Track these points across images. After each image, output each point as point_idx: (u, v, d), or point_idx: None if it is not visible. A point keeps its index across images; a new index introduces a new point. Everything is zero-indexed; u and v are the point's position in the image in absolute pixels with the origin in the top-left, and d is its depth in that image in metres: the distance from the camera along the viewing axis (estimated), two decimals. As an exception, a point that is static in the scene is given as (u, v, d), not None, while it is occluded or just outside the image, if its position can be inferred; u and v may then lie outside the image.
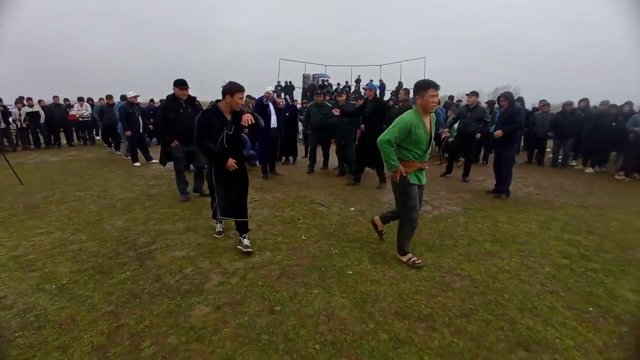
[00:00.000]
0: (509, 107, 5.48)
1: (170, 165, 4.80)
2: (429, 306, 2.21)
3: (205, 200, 4.36)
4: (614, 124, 7.20)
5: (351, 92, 17.00)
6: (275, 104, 6.02)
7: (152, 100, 12.09)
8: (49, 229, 3.53)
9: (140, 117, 7.41)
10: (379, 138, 2.65)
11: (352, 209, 4.34)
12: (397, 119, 2.68)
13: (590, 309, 2.21)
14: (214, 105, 2.88)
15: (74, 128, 11.03)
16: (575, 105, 7.99)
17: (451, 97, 12.83)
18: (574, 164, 8.17)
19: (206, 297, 2.28)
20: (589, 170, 7.55)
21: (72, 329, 1.95)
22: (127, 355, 1.74)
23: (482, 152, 8.42)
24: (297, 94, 19.21)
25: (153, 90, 15.65)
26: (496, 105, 7.62)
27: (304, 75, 20.39)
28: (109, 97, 8.85)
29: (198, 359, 1.72)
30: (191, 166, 5.00)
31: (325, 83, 18.31)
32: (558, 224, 3.87)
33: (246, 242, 3.04)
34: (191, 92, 4.48)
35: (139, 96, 7.67)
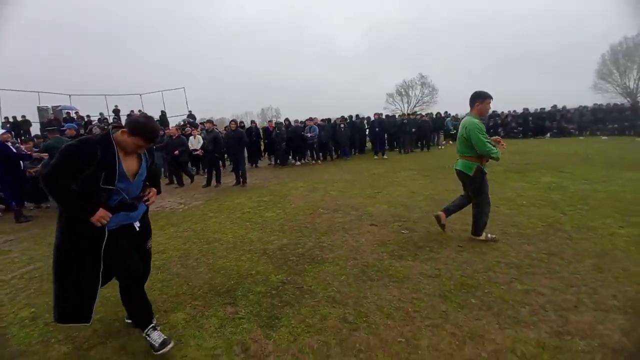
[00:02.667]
0: (236, 129, 8.23)
1: None
2: (164, 245, 3.94)
3: None
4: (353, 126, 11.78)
5: (109, 123, 16.22)
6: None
7: None
8: None
9: None
10: (481, 149, 3.12)
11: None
12: (470, 125, 3.16)
13: (247, 223, 4.66)
14: (108, 133, 1.92)
15: None
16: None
17: (210, 121, 15.20)
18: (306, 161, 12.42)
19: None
20: (297, 163, 11.84)
21: None
22: None
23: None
24: (35, 130, 16.10)
25: None
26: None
27: (39, 107, 17.26)
28: None
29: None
30: None
31: (72, 115, 16.42)
32: (257, 195, 6.64)
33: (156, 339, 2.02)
34: None
35: None
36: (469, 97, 3.34)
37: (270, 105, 71.43)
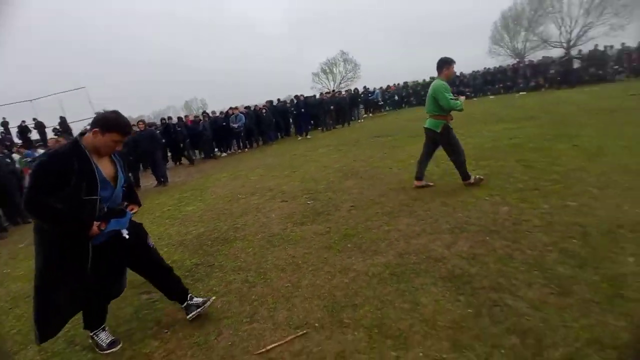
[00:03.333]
0: (145, 129, 7.94)
1: None
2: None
3: None
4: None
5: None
6: None
7: None
8: None
9: None
10: (446, 104, 3.60)
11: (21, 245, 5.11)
12: (437, 87, 3.67)
13: (167, 220, 4.78)
14: (75, 141, 1.84)
15: None
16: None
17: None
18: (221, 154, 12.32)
19: None
20: (224, 154, 11.80)
21: None
22: None
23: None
24: None
25: None
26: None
27: None
28: None
29: None
30: None
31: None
32: (178, 192, 6.67)
33: (198, 299, 2.29)
34: None
35: None
36: (436, 62, 3.81)
37: (195, 97, 67.39)
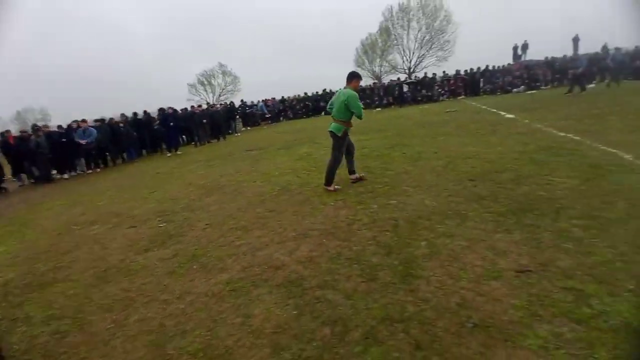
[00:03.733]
0: None
1: None
2: None
3: None
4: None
5: None
6: None
7: None
8: None
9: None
10: (358, 111, 4.15)
11: None
12: (350, 95, 4.10)
13: None
14: None
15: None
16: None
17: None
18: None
19: None
20: (65, 176, 9.75)
21: None
22: None
23: None
24: None
25: None
26: None
27: None
28: None
29: None
30: None
31: None
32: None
33: None
34: None
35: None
36: (347, 74, 4.31)
37: (30, 105, 53.35)
